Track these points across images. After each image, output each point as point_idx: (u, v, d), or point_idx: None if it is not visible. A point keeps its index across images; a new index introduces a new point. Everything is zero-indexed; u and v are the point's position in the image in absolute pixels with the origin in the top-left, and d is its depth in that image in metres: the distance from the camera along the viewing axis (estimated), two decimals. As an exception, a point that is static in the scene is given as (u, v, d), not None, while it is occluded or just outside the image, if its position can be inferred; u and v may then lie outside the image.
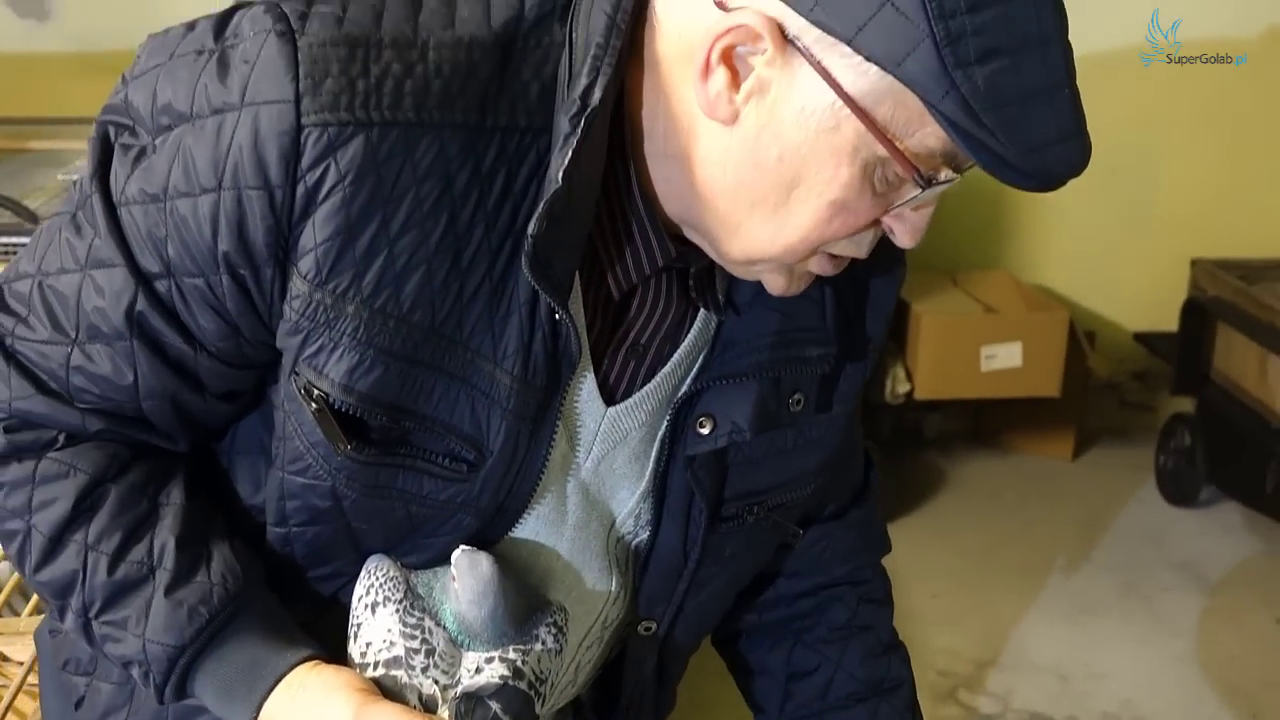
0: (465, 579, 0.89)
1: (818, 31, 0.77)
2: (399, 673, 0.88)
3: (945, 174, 0.82)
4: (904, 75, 0.76)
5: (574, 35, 0.84)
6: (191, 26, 0.86)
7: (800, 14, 0.77)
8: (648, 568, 1.01)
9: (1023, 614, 3.00)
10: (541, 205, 0.82)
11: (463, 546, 0.90)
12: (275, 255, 0.83)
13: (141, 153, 0.85)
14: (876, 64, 0.76)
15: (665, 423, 0.96)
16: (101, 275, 0.86)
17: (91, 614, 0.90)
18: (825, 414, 1.02)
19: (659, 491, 0.98)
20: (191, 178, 0.82)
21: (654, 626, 1.04)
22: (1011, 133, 0.76)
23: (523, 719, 0.89)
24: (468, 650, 0.90)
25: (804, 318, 0.96)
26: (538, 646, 0.92)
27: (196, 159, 0.82)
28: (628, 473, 0.98)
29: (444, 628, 0.90)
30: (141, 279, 0.85)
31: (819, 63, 0.78)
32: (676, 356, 0.96)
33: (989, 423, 3.79)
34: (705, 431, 0.95)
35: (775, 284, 0.90)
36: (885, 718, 1.16)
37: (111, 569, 0.89)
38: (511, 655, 0.90)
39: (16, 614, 1.45)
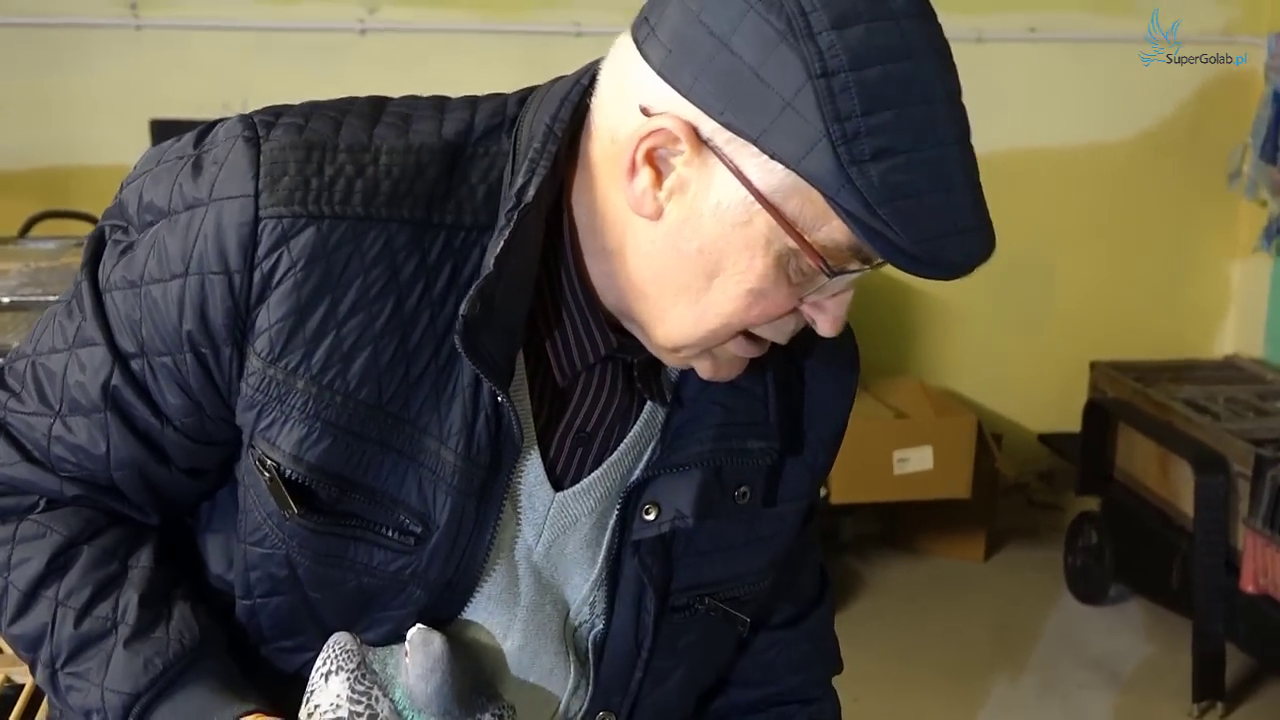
0: (416, 653, 0.92)
1: (728, 133, 0.83)
2: None
3: (855, 265, 0.87)
4: (805, 172, 0.82)
5: (518, 143, 0.92)
6: (180, 138, 0.96)
7: (712, 118, 0.84)
8: (603, 656, 1.04)
9: (943, 717, 3.03)
10: (473, 288, 0.88)
11: (419, 625, 0.94)
12: (234, 336, 0.90)
13: (129, 247, 0.94)
14: (781, 162, 0.82)
15: (616, 512, 1.01)
16: (85, 353, 0.94)
17: (58, 664, 0.95)
18: (773, 510, 1.06)
19: (611, 580, 1.02)
20: (164, 265, 0.91)
21: (611, 719, 1.06)
22: (906, 224, 0.81)
23: None
24: None
25: (746, 412, 1.01)
26: None
27: (169, 248, 0.90)
28: (580, 558, 1.01)
29: (391, 699, 0.93)
30: (119, 357, 0.93)
31: (731, 161, 0.84)
32: (624, 445, 1.00)
33: (903, 526, 3.85)
34: (651, 518, 1.00)
35: (703, 369, 0.95)
36: None
37: (78, 622, 0.95)
38: None
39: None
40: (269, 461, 0.91)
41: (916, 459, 3.44)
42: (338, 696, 0.92)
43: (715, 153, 0.85)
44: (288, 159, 0.89)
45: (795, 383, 1.05)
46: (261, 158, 0.89)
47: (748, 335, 0.92)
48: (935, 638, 3.38)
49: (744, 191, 0.85)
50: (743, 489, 1.02)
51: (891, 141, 0.80)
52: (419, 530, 0.94)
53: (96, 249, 0.97)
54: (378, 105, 0.95)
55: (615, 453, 1.00)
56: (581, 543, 1.01)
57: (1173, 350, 3.89)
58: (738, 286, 0.88)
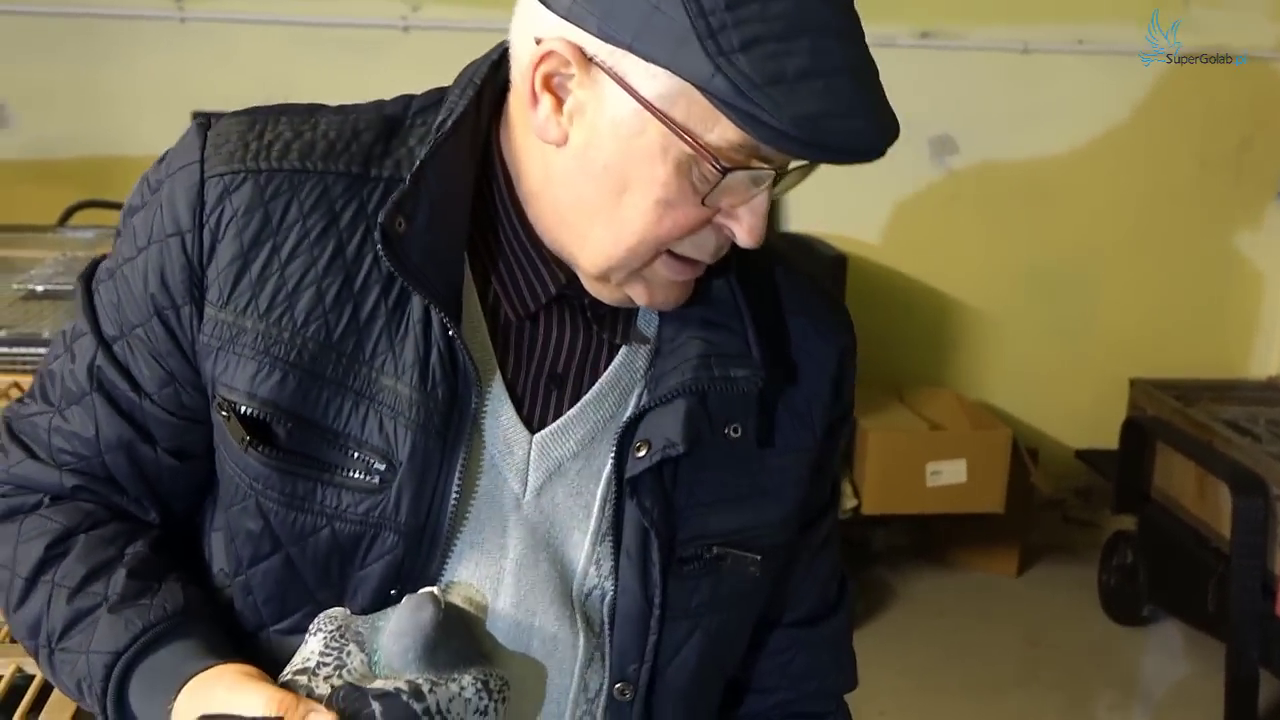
0: (401, 611, 0.92)
1: (609, 46, 0.87)
2: (302, 678, 0.90)
3: (755, 164, 0.89)
4: (679, 71, 0.84)
5: (446, 104, 0.98)
6: None
7: (591, 33, 0.87)
8: (615, 620, 1.03)
9: (970, 732, 3.01)
10: (390, 200, 0.94)
11: (431, 590, 0.94)
12: (191, 294, 0.96)
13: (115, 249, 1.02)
14: (657, 64, 0.85)
15: (611, 460, 1.01)
16: (77, 345, 1.02)
17: (53, 643, 0.99)
18: (772, 457, 1.05)
19: (615, 534, 1.02)
20: (133, 244, 0.99)
21: (629, 692, 1.04)
22: (780, 107, 0.83)
23: None
24: (380, 677, 0.91)
25: (726, 345, 1.02)
26: (454, 687, 0.91)
27: (137, 229, 0.99)
28: (574, 509, 1.01)
29: (365, 654, 0.92)
30: (103, 341, 1.01)
31: (615, 73, 0.87)
32: (599, 385, 1.02)
33: (936, 538, 3.82)
34: (642, 454, 1.00)
35: (638, 295, 0.97)
36: None
37: (70, 599, 0.98)
38: (420, 681, 0.90)
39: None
40: (226, 403, 0.96)
41: (950, 472, 3.42)
42: (313, 651, 0.92)
43: (601, 68, 0.88)
44: (232, 130, 0.97)
45: (779, 328, 1.06)
46: (209, 134, 0.98)
47: (674, 256, 0.94)
48: (965, 652, 3.35)
49: (633, 102, 0.87)
50: (733, 425, 1.02)
51: (759, 32, 0.83)
52: (383, 469, 0.96)
53: (94, 263, 1.04)
54: (323, 104, 1.02)
55: (590, 392, 1.02)
56: (571, 490, 1.01)
57: (1214, 369, 3.85)
58: (645, 199, 0.90)
